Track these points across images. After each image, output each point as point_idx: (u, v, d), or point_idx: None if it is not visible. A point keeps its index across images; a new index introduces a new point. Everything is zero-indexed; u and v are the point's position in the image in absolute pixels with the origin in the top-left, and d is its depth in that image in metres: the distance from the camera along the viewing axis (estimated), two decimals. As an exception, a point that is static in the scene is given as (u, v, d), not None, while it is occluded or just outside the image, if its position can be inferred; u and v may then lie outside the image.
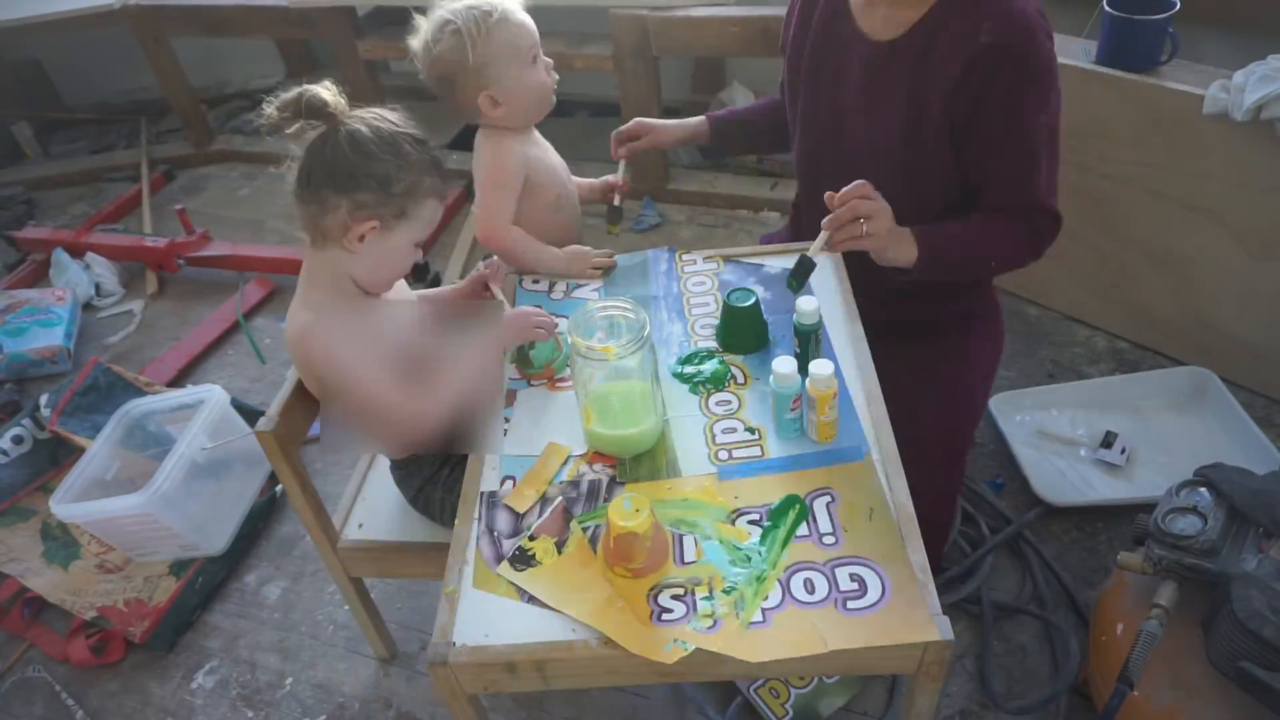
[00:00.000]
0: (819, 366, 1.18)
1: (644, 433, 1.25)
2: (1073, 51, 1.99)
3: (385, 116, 1.26)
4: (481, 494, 1.25)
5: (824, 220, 1.32)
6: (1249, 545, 1.22)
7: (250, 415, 2.16)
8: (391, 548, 1.52)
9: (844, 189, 1.31)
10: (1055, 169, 1.42)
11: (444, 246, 2.95)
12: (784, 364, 1.20)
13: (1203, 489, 1.31)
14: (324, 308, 1.28)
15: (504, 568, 1.13)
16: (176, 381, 2.50)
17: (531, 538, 1.16)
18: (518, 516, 1.20)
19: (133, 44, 3.29)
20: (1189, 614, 1.25)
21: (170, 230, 3.07)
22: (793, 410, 1.22)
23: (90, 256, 2.99)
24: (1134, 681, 1.19)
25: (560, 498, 1.21)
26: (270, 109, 1.20)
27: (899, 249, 1.36)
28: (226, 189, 3.46)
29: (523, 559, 1.14)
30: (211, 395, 2.06)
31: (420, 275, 2.68)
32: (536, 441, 1.30)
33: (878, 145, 1.48)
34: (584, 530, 1.17)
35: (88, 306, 2.90)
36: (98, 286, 2.94)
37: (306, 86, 1.20)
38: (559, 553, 1.14)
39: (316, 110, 1.20)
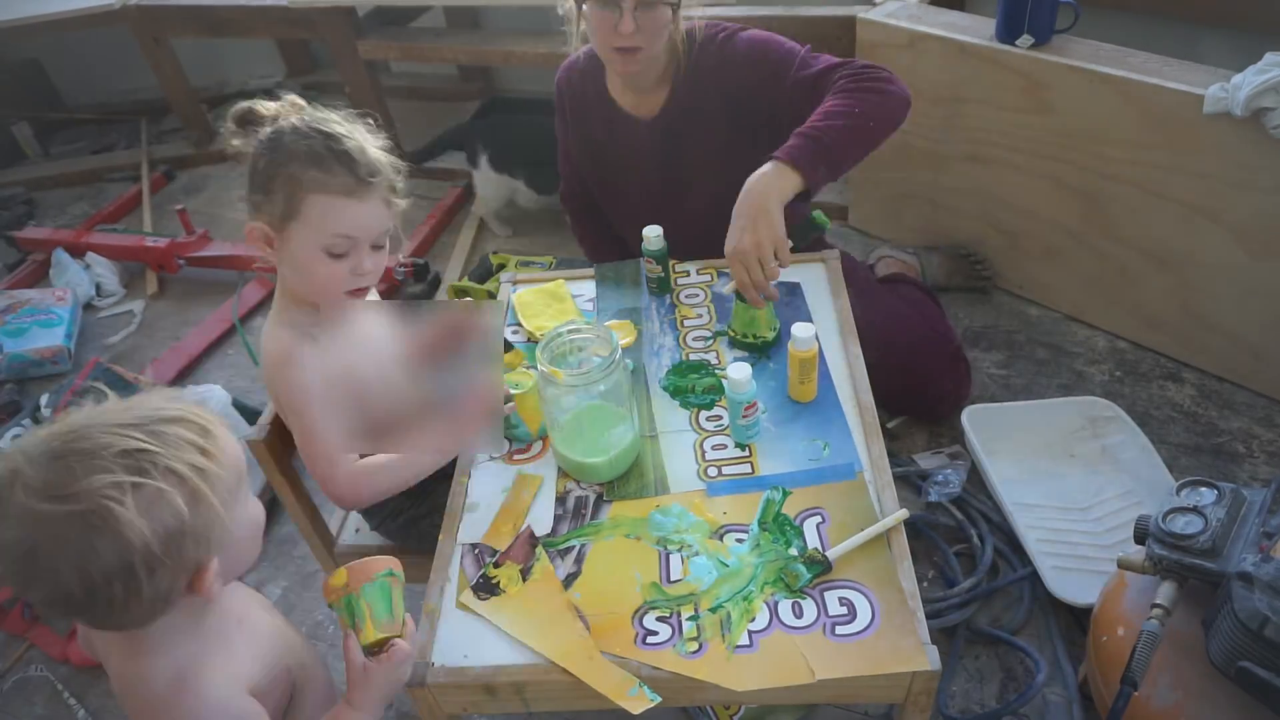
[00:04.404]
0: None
1: (609, 461, 1.21)
2: (1082, 54, 2.00)
3: (306, 110, 1.21)
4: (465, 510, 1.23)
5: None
6: (1249, 545, 1.22)
7: (251, 415, 2.16)
8: (388, 552, 1.51)
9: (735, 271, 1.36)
10: (832, 58, 1.56)
11: (444, 246, 2.95)
12: (738, 370, 1.20)
13: (1203, 489, 1.32)
14: (297, 323, 1.23)
15: (467, 596, 1.11)
16: (177, 381, 2.50)
17: (496, 565, 1.14)
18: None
19: (133, 44, 3.29)
20: (1189, 614, 1.25)
21: (170, 230, 3.07)
22: (745, 416, 1.23)
23: (90, 256, 2.99)
24: (1137, 682, 1.19)
25: (527, 524, 1.19)
26: (228, 124, 1.19)
27: (784, 190, 1.36)
28: (226, 189, 3.46)
29: (486, 587, 1.12)
30: (212, 395, 2.06)
31: (420, 275, 2.68)
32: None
33: (690, 183, 1.72)
34: (558, 553, 1.14)
35: (88, 306, 2.90)
36: (98, 286, 2.94)
37: (255, 101, 1.20)
38: (523, 580, 1.12)
39: (248, 119, 1.18)
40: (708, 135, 1.67)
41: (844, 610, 1.04)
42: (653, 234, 1.49)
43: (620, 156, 1.76)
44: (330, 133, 1.16)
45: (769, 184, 1.35)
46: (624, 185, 1.81)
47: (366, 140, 1.20)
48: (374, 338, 1.29)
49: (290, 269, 1.22)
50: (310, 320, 1.24)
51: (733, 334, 1.43)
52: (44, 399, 2.11)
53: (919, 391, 1.96)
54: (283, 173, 1.14)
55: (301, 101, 1.22)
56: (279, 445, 1.37)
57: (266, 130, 1.18)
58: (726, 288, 1.39)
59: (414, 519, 1.44)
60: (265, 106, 1.19)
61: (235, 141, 1.19)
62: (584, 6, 1.52)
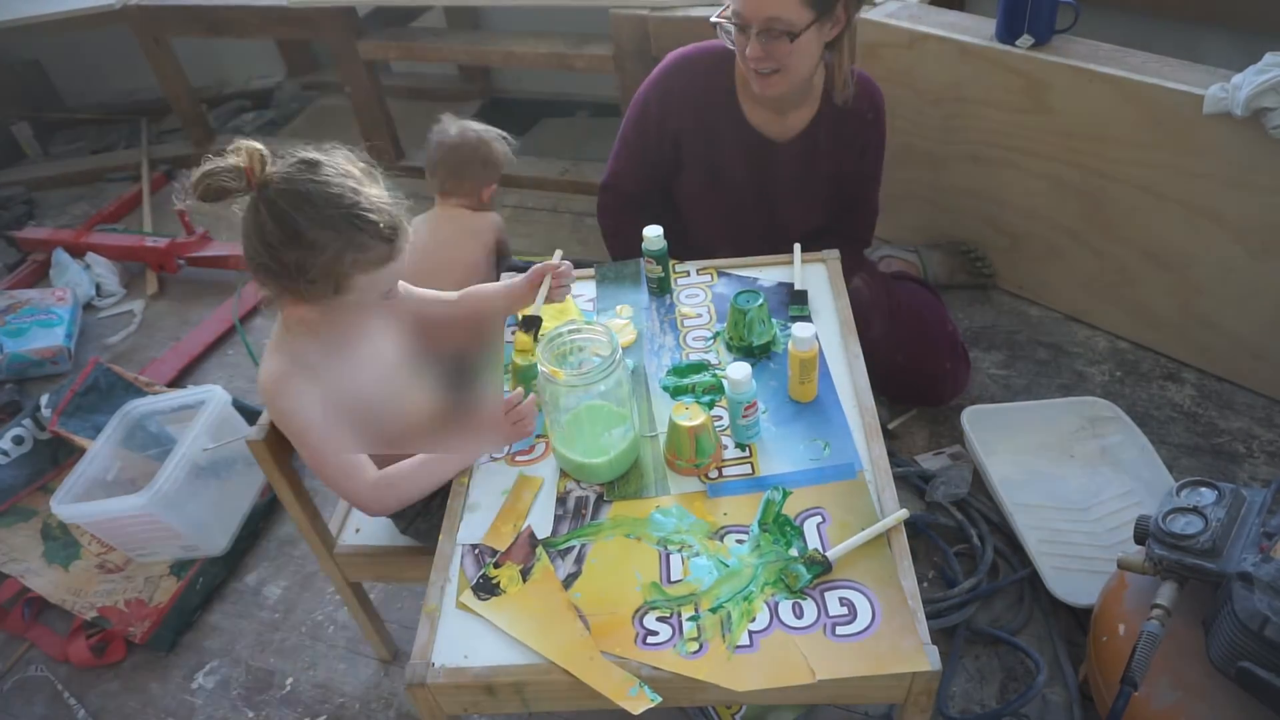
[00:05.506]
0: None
1: (609, 462, 1.21)
2: (1082, 54, 2.00)
3: (298, 182, 1.10)
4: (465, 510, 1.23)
5: None
6: (1249, 545, 1.22)
7: (251, 415, 2.16)
8: (389, 552, 1.52)
9: None
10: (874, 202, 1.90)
11: (444, 246, 2.95)
12: (738, 370, 1.20)
13: (1204, 489, 1.32)
14: (297, 353, 1.22)
15: (467, 596, 1.11)
16: (177, 382, 2.50)
17: (496, 565, 1.14)
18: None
19: (133, 44, 3.29)
20: (1189, 614, 1.25)
21: (170, 230, 3.07)
22: (745, 416, 1.23)
23: (91, 256, 2.99)
24: (1137, 682, 1.19)
25: (527, 524, 1.19)
26: (191, 197, 1.09)
27: None
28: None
29: (486, 587, 1.12)
30: (213, 395, 2.06)
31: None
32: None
33: (778, 206, 1.81)
34: (558, 553, 1.14)
35: (88, 307, 2.90)
36: (98, 286, 2.94)
37: (211, 166, 1.08)
38: (524, 580, 1.12)
39: (217, 197, 1.09)
40: (831, 169, 1.76)
41: (844, 610, 1.04)
42: (653, 234, 1.49)
43: (738, 167, 1.75)
44: (347, 204, 1.11)
45: None
46: (728, 195, 1.80)
47: (369, 187, 1.15)
48: (382, 351, 1.31)
49: (330, 318, 1.20)
50: (315, 349, 1.23)
51: (729, 340, 1.43)
52: (44, 399, 2.10)
53: (918, 367, 1.99)
54: (319, 263, 1.11)
55: (258, 146, 1.10)
56: (278, 445, 1.36)
57: (258, 211, 1.10)
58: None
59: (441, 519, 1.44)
60: (228, 174, 1.07)
61: (204, 207, 1.11)
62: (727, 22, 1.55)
